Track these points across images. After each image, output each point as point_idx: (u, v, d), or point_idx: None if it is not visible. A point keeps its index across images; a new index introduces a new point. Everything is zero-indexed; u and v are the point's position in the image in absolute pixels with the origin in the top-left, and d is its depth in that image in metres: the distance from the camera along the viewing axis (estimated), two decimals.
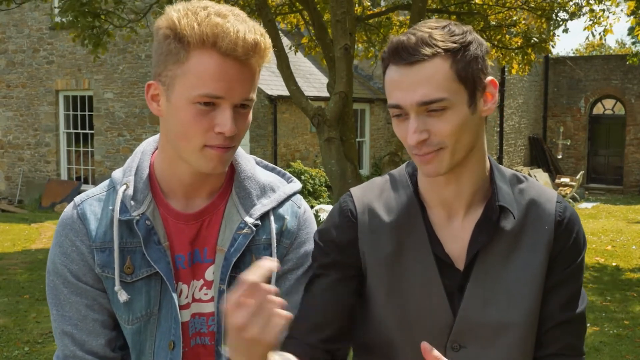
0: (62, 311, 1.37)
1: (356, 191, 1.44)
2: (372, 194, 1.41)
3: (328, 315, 1.37)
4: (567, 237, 1.37)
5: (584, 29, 9.69)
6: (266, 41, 1.27)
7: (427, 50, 1.22)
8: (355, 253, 1.38)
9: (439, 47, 1.22)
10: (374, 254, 1.37)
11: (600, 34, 9.75)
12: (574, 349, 1.36)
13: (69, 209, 1.40)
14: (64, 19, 8.16)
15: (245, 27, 1.24)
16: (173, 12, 1.26)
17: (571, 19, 9.75)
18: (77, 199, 1.41)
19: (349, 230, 1.38)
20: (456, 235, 1.36)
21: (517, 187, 1.39)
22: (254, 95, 1.30)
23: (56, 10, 10.25)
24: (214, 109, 1.25)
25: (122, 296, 1.34)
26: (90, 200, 1.39)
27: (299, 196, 1.49)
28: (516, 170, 1.93)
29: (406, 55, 1.23)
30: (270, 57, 1.31)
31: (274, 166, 1.53)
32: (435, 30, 1.25)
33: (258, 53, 1.25)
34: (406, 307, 1.35)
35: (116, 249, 1.34)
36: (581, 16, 9.74)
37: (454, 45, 1.23)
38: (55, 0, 8.61)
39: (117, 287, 1.34)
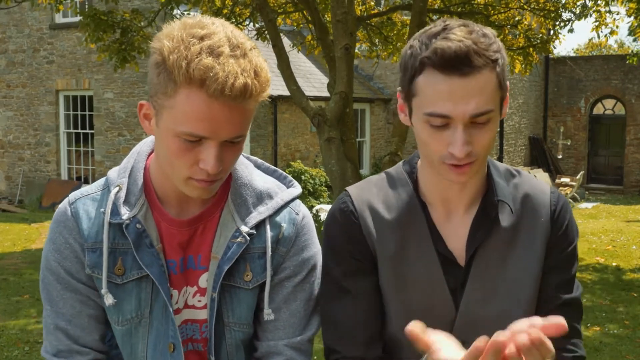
0: (55, 307, 1.37)
1: (353, 190, 1.43)
2: (370, 192, 1.41)
3: (377, 324, 1.38)
4: (560, 225, 1.39)
5: (592, 29, 9.69)
6: (260, 81, 1.20)
7: (479, 62, 1.19)
8: (368, 250, 1.37)
9: (488, 58, 1.20)
10: (379, 251, 1.37)
11: (606, 35, 9.75)
12: (575, 331, 1.37)
13: (63, 206, 1.38)
14: (86, 34, 8.18)
15: (238, 67, 1.16)
16: (166, 41, 1.18)
17: (578, 20, 9.73)
18: (72, 196, 1.39)
19: (355, 230, 1.37)
20: (457, 231, 1.37)
21: (512, 182, 1.40)
22: (245, 131, 1.24)
23: (56, 15, 10.28)
24: (199, 144, 1.21)
25: (109, 300, 1.34)
26: (84, 199, 1.38)
27: (297, 202, 1.46)
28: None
29: (460, 65, 1.18)
30: (268, 93, 1.24)
31: (276, 169, 1.51)
32: (473, 36, 1.21)
33: (249, 97, 1.18)
34: (410, 303, 1.35)
35: (105, 252, 1.32)
36: (588, 17, 9.72)
37: (497, 54, 1.22)
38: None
39: (103, 290, 1.33)
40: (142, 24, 8.64)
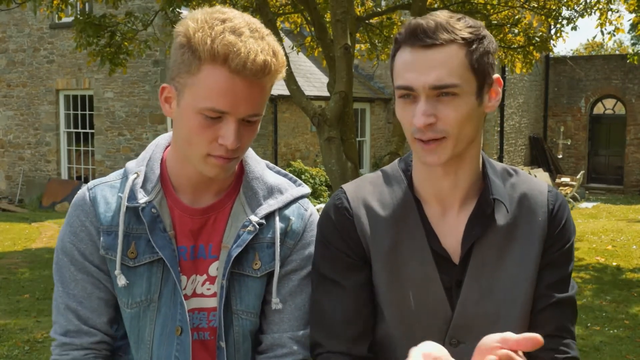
0: (67, 289, 1.43)
1: (349, 187, 1.44)
2: (366, 190, 1.42)
3: (366, 321, 1.38)
4: (558, 223, 1.39)
5: (596, 26, 9.64)
6: (278, 61, 1.29)
7: (445, 36, 1.24)
8: (360, 247, 1.38)
9: (457, 35, 1.24)
10: (373, 248, 1.37)
11: (610, 32, 9.71)
12: (568, 331, 1.37)
13: (82, 191, 1.46)
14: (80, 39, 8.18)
15: (258, 46, 1.26)
16: (190, 22, 1.28)
17: (581, 17, 9.71)
18: (91, 183, 1.47)
19: (348, 226, 1.38)
20: (451, 229, 1.37)
21: (509, 182, 1.41)
22: (262, 110, 1.32)
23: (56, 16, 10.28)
24: (219, 121, 1.28)
25: (121, 281, 1.39)
26: (102, 185, 1.45)
27: (306, 200, 1.52)
28: None
29: (423, 37, 1.24)
30: (283, 74, 1.33)
31: (287, 172, 1.57)
32: (452, 19, 1.27)
33: (268, 74, 1.27)
34: (405, 302, 1.35)
35: (120, 234, 1.38)
36: (591, 14, 9.69)
37: (470, 35, 1.26)
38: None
39: (117, 272, 1.39)
40: (140, 26, 8.62)
